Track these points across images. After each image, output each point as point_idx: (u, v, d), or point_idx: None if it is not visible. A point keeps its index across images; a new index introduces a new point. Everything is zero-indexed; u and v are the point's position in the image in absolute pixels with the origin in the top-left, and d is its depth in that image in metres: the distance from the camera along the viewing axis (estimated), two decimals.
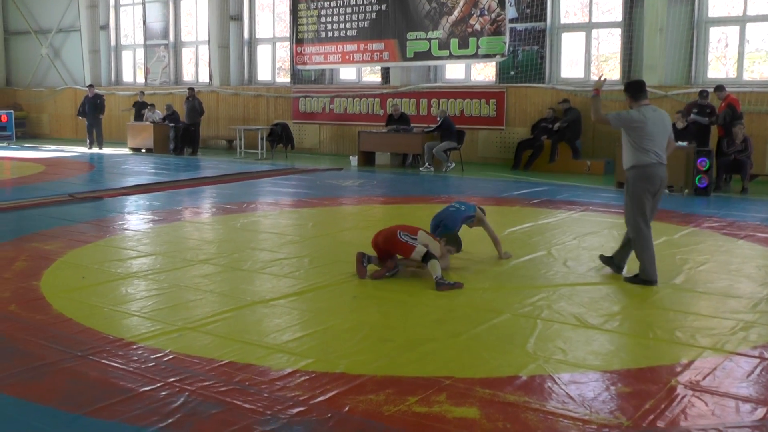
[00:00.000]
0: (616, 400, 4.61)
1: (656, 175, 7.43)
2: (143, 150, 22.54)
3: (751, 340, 5.72)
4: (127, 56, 27.56)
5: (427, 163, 17.61)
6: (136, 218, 11.11)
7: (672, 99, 16.53)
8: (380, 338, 5.72)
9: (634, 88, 7.59)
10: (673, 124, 14.61)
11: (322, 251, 8.84)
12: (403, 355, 5.34)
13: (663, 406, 4.47)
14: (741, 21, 16.69)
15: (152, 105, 23.18)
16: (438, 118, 18.09)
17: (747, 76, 16.85)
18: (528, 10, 18.67)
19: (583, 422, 4.26)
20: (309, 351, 5.39)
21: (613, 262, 7.88)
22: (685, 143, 13.97)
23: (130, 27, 27.29)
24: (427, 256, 7.31)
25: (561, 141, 17.36)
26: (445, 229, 8.21)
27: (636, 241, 7.50)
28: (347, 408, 4.41)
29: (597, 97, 7.65)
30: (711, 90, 14.98)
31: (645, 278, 7.41)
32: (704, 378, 4.91)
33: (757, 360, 5.28)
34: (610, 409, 4.47)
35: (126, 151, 22.74)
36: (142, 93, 24.16)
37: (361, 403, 4.48)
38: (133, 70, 27.42)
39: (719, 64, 17.54)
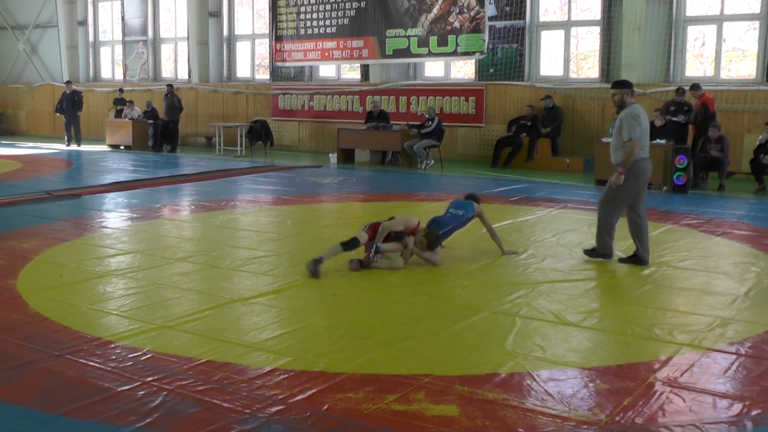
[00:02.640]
0: (594, 396, 4.63)
1: (647, 168, 8.05)
2: (122, 147, 22.40)
3: (728, 336, 5.77)
4: (105, 52, 27.37)
5: (425, 161, 17.60)
6: (114, 216, 11.04)
7: (650, 97, 16.61)
8: (359, 336, 5.71)
9: (630, 85, 8.15)
10: (652, 123, 14.77)
11: (301, 249, 8.81)
12: (382, 353, 5.33)
13: (641, 402, 4.49)
14: (718, 20, 16.80)
15: (131, 102, 23.04)
16: (426, 116, 18.04)
17: (724, 75, 16.96)
18: (507, 8, 18.70)
19: (561, 419, 4.28)
20: (288, 349, 5.38)
21: (596, 252, 8.25)
22: (663, 141, 14.06)
23: (108, 23, 27.12)
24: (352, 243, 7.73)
25: (540, 138, 17.43)
26: (437, 226, 8.26)
27: (606, 229, 8.12)
28: (326, 406, 4.40)
29: (621, 168, 7.97)
30: (687, 88, 15.07)
31: (603, 252, 8.18)
32: (682, 374, 4.94)
33: (734, 356, 5.32)
34: (589, 405, 4.49)
35: (104, 148, 22.59)
36: (121, 90, 24.02)
37: (340, 401, 4.47)
38: (111, 67, 27.23)
39: (697, 63, 17.66)
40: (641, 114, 7.96)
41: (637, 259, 8.11)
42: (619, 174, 7.91)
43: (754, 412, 4.39)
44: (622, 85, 8.16)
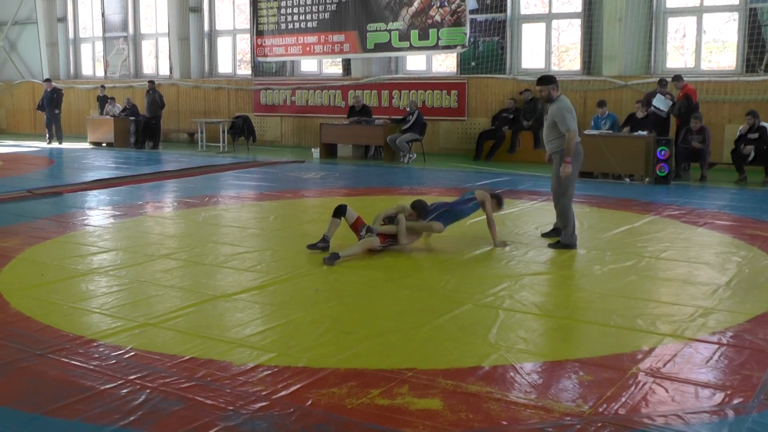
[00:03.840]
0: (577, 388, 4.65)
1: (582, 150, 8.67)
2: (104, 144, 22.28)
3: (710, 326, 5.80)
4: (85, 49, 27.18)
5: (408, 155, 17.59)
6: (96, 214, 10.98)
7: (632, 89, 16.68)
8: (342, 331, 5.71)
9: (555, 80, 8.68)
10: (634, 114, 14.87)
11: (284, 244, 8.81)
12: (366, 347, 5.33)
13: (624, 393, 4.51)
14: (698, 11, 16.88)
15: (112, 98, 22.92)
16: (407, 109, 18.05)
17: (704, 66, 17.05)
18: (488, 1, 18.73)
19: (545, 411, 4.29)
20: (271, 345, 5.36)
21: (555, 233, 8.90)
22: (645, 132, 14.11)
23: (88, 19, 26.91)
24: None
25: (522, 131, 17.46)
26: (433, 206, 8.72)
27: (564, 213, 8.55)
28: (310, 402, 4.40)
29: (567, 158, 8.44)
30: (669, 79, 15.14)
31: (568, 243, 8.49)
32: (665, 365, 4.97)
33: (716, 346, 5.35)
34: (572, 397, 4.50)
35: (86, 145, 22.46)
36: (103, 87, 23.85)
37: (324, 396, 4.47)
38: (92, 63, 27.05)
39: (677, 54, 17.73)
40: (570, 104, 8.62)
41: (558, 232, 8.79)
42: (566, 164, 8.38)
43: (735, 401, 4.42)
44: (547, 81, 8.62)
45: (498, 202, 8.92)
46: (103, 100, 23.14)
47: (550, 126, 8.60)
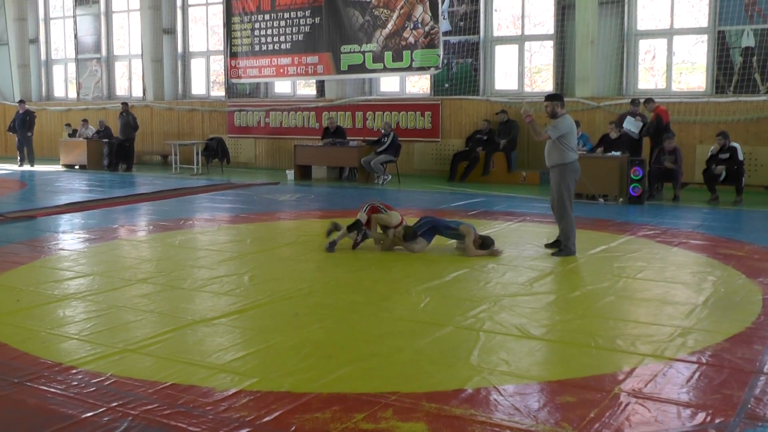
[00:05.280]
0: (561, 409, 4.66)
1: (579, 167, 9.30)
2: (76, 167, 22.14)
3: (689, 345, 5.85)
4: (58, 71, 27.06)
5: (383, 176, 17.63)
6: (71, 237, 10.89)
7: (604, 110, 16.86)
8: (324, 355, 5.69)
9: (561, 98, 9.45)
10: (607, 135, 15.00)
11: (262, 268, 8.78)
12: (348, 371, 5.31)
13: (607, 414, 4.53)
14: (668, 33, 17.13)
15: (85, 120, 22.80)
16: (382, 131, 18.11)
17: (675, 87, 17.28)
18: (461, 23, 18.88)
19: None
20: (253, 370, 5.33)
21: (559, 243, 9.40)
22: (618, 153, 14.25)
23: (60, 40, 26.83)
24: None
25: (496, 152, 17.56)
26: (421, 222, 9.58)
27: (567, 223, 9.16)
28: (293, 427, 4.37)
29: (533, 122, 9.17)
30: (642, 101, 15.33)
31: (572, 251, 9.17)
32: (646, 385, 5.00)
33: (696, 365, 5.39)
34: (556, 419, 4.51)
35: (59, 168, 22.31)
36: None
37: (308, 421, 4.44)
38: (64, 85, 26.93)
39: (648, 76, 17.96)
40: (572, 123, 9.28)
41: (559, 243, 9.33)
42: (528, 117, 9.14)
43: (717, 421, 4.45)
44: (554, 98, 9.38)
45: (482, 243, 9.26)
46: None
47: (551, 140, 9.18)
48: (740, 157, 14.00)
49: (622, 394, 4.85)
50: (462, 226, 9.37)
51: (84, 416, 4.53)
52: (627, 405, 4.67)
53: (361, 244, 9.69)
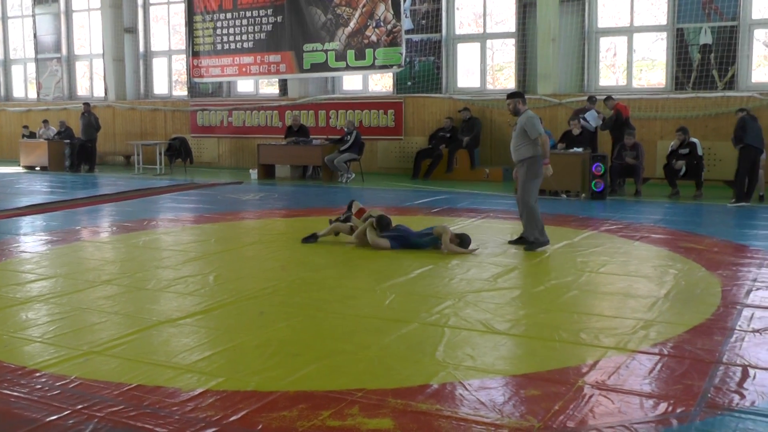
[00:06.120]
0: (526, 403, 4.71)
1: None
2: (37, 168, 21.89)
3: (651, 338, 5.93)
4: (17, 71, 26.71)
5: (347, 174, 17.64)
6: (32, 240, 10.77)
7: (566, 107, 17.00)
8: (290, 353, 5.69)
9: (522, 95, 9.65)
10: (569, 131, 15.13)
11: (227, 267, 8.76)
12: (314, 369, 5.32)
13: (572, 406, 4.59)
14: (628, 31, 17.34)
15: (45, 121, 22.54)
16: (345, 129, 18.13)
17: (636, 84, 17.48)
18: (423, 22, 18.94)
19: (495, 427, 4.34)
20: (219, 370, 5.32)
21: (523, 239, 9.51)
22: (580, 149, 14.38)
23: (19, 40, 26.48)
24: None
25: (459, 150, 17.64)
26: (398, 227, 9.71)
27: (531, 215, 9.26)
28: (260, 426, 4.37)
29: (547, 163, 9.36)
30: (600, 98, 15.50)
31: (541, 241, 9.29)
32: (609, 377, 5.07)
33: (658, 357, 5.48)
34: (521, 412, 4.56)
35: (19, 169, 22.02)
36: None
37: (275, 420, 4.45)
38: (24, 85, 26.59)
39: (609, 73, 18.15)
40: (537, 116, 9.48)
41: (525, 240, 9.45)
42: (545, 165, 9.24)
43: (678, 410, 4.52)
44: (515, 95, 9.58)
45: (460, 241, 9.29)
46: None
47: (518, 135, 9.33)
48: (699, 152, 14.22)
49: (585, 386, 4.91)
50: (436, 228, 9.43)
51: (49, 419, 4.49)
52: (591, 397, 4.73)
53: (326, 239, 10.04)
